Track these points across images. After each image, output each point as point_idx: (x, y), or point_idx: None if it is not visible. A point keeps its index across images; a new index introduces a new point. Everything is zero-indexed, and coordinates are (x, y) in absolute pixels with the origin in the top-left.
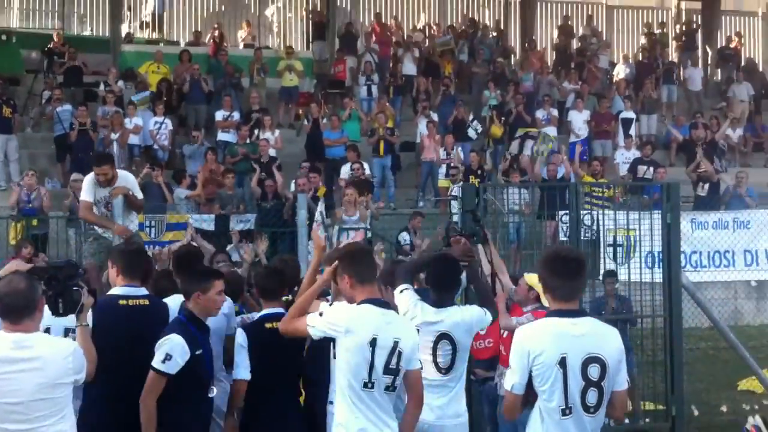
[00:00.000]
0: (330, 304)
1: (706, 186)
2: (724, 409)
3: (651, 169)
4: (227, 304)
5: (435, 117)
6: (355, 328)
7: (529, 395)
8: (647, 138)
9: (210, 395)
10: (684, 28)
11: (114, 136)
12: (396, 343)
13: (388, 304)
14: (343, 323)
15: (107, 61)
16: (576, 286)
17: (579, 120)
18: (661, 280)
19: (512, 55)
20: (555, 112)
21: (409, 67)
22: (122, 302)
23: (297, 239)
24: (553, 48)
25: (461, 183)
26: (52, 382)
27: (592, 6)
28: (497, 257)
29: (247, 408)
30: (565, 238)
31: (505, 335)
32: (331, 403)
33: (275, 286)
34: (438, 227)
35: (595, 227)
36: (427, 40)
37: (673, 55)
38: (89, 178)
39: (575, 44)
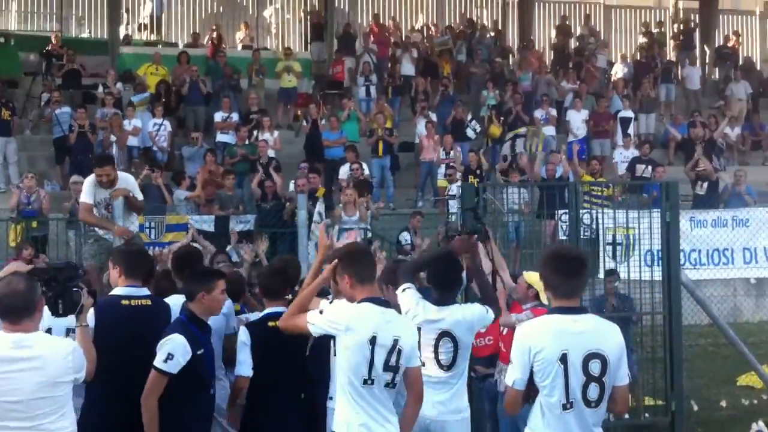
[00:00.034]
0: (330, 303)
1: (705, 184)
2: (723, 404)
3: (649, 167)
4: (227, 304)
5: (434, 117)
6: (355, 326)
7: (530, 391)
8: (645, 137)
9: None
10: (682, 28)
11: (113, 138)
12: (396, 341)
13: (387, 303)
14: (344, 321)
15: (105, 64)
16: (577, 285)
17: (577, 119)
18: (661, 278)
19: (510, 55)
20: (553, 112)
21: (408, 68)
22: (125, 302)
23: (297, 240)
24: (551, 48)
25: (460, 183)
26: (52, 380)
27: (590, 6)
28: (498, 255)
29: (249, 406)
30: (564, 237)
31: (504, 332)
32: (331, 398)
33: (278, 286)
34: (439, 227)
35: (594, 226)
36: (425, 41)
37: (671, 55)
38: (90, 179)
39: (573, 44)
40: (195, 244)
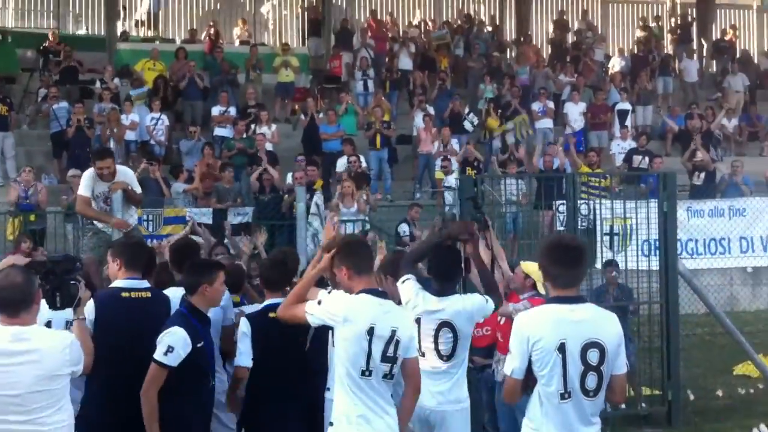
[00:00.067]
0: (329, 293)
1: (702, 175)
2: (720, 393)
3: (646, 159)
4: (224, 296)
5: (431, 110)
6: (352, 317)
7: (529, 380)
8: (643, 128)
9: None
10: (679, 21)
11: (110, 132)
12: (393, 332)
13: (385, 294)
14: (341, 312)
15: (103, 60)
16: (576, 275)
17: (575, 112)
18: (658, 268)
19: (508, 50)
20: (551, 104)
21: (405, 62)
22: (125, 294)
23: (295, 232)
24: (548, 42)
25: (455, 174)
26: (50, 374)
27: (588, 0)
28: (497, 244)
29: (249, 396)
30: (561, 228)
31: (502, 322)
32: (329, 389)
33: (279, 277)
34: (435, 218)
35: (591, 217)
36: (422, 36)
37: (668, 48)
38: (89, 173)
39: (571, 38)
40: (194, 237)
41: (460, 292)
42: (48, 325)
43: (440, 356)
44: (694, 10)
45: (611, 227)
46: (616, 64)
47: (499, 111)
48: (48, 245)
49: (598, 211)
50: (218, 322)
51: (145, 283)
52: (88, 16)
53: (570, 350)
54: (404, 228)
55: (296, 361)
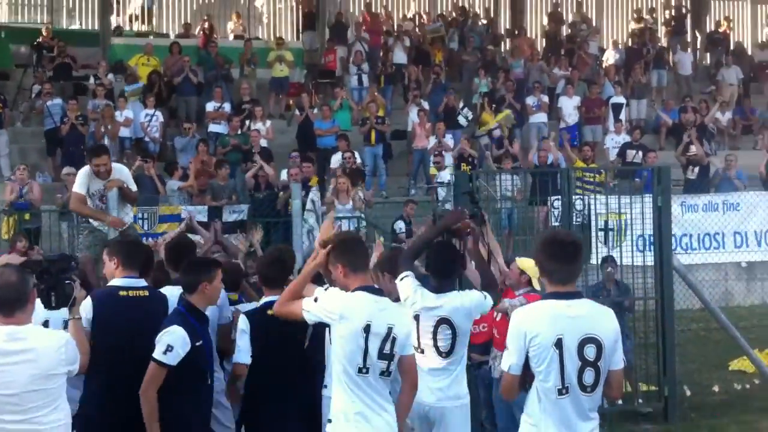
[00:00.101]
0: (326, 290)
1: (696, 169)
2: (716, 388)
3: (640, 153)
4: (221, 294)
5: (426, 105)
6: (349, 314)
7: (526, 376)
8: (637, 122)
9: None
10: (673, 13)
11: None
12: (390, 330)
13: (381, 292)
14: (338, 310)
15: (96, 55)
16: (573, 270)
17: (569, 106)
18: (653, 263)
19: (502, 43)
20: (545, 99)
21: (400, 56)
22: (123, 293)
23: (290, 229)
24: (542, 35)
25: (447, 170)
26: (45, 373)
27: None
28: (493, 240)
29: (248, 394)
30: (557, 224)
31: (498, 318)
32: (326, 387)
33: (277, 275)
34: (425, 218)
35: (586, 212)
36: (417, 29)
37: (662, 40)
38: (84, 170)
39: (565, 31)
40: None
41: (458, 288)
42: (45, 324)
43: (439, 353)
44: (688, 1)
45: (606, 222)
46: (610, 57)
47: (494, 105)
48: (43, 244)
49: (592, 207)
50: (214, 320)
51: (143, 282)
52: (81, 10)
53: (567, 346)
54: (400, 225)
55: (295, 359)
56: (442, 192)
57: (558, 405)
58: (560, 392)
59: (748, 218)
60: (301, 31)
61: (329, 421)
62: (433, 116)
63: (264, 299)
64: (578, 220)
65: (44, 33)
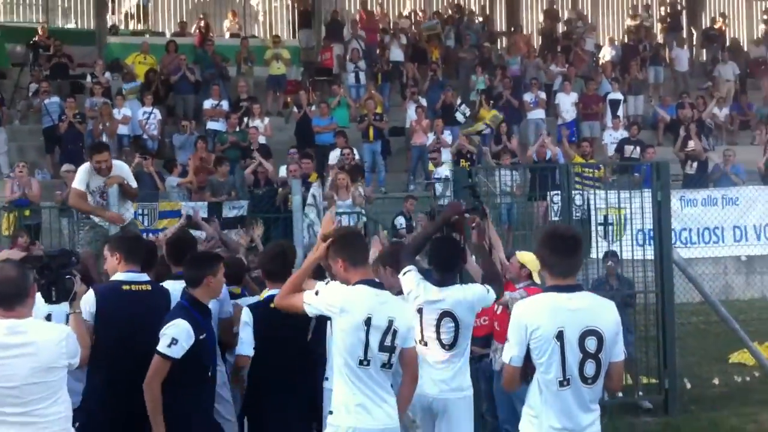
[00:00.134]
0: (327, 284)
1: (695, 164)
2: (716, 381)
3: (637, 148)
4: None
5: (423, 102)
6: (349, 308)
7: (527, 368)
8: (634, 118)
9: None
10: (669, 10)
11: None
12: (391, 322)
13: (382, 285)
14: (338, 303)
15: (93, 54)
16: (573, 263)
17: (567, 102)
18: (653, 257)
19: (499, 40)
20: (543, 95)
21: (397, 54)
22: (125, 287)
23: (290, 225)
24: (539, 32)
25: (444, 165)
26: (46, 366)
27: None
28: (494, 233)
29: (251, 386)
30: (556, 219)
31: (498, 311)
32: (327, 379)
33: (280, 268)
34: (419, 215)
35: (585, 207)
36: (413, 27)
37: (658, 37)
38: (84, 167)
39: (561, 28)
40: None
41: (459, 282)
42: (48, 318)
43: (442, 345)
44: None
45: (605, 217)
46: (606, 54)
47: (491, 102)
48: (44, 240)
49: (592, 202)
50: (216, 314)
51: (145, 277)
52: (77, 9)
53: (568, 338)
54: (401, 221)
55: (297, 352)
56: (439, 188)
57: (559, 396)
58: (561, 384)
59: (746, 212)
60: (297, 29)
61: (330, 412)
62: (431, 113)
63: (267, 293)
64: (578, 215)
65: (40, 32)
